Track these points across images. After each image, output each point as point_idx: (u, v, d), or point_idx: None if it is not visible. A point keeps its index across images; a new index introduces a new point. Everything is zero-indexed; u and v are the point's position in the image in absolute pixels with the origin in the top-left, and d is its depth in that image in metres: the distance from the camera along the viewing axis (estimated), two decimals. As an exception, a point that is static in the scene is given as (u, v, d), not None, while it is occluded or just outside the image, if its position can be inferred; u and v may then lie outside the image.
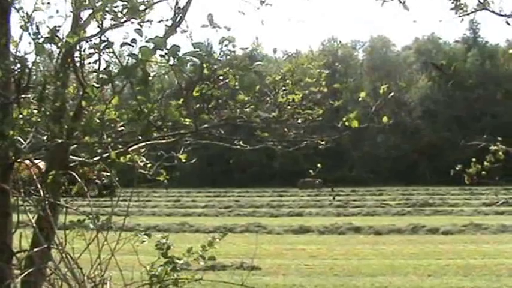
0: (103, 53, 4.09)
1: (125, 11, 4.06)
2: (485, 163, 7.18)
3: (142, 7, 4.18)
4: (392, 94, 5.50)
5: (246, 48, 5.95)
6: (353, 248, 18.50)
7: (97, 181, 8.62)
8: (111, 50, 3.91)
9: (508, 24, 6.78)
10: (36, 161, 5.46)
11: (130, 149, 5.58)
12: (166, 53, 3.35)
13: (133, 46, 3.54)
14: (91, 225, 4.69)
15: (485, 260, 16.04)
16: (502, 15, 6.81)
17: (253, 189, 50.63)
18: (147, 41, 3.42)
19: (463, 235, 20.79)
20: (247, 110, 5.00)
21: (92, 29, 4.91)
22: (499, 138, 7.32)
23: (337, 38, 76.28)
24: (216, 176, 58.38)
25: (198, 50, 3.52)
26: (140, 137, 5.04)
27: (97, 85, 4.12)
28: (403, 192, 44.84)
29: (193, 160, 6.45)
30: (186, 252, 5.03)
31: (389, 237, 20.82)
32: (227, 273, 13.88)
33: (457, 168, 7.48)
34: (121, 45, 3.67)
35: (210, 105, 5.13)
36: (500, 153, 7.14)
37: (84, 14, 5.20)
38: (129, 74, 3.38)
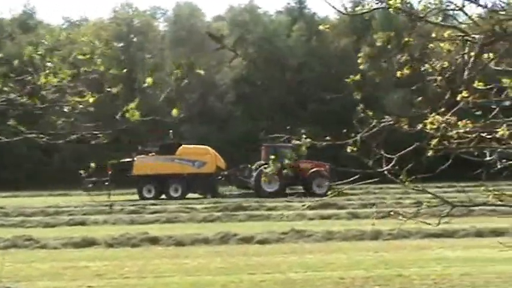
0: None
1: None
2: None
3: None
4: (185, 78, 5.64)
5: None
6: (148, 263, 18.62)
7: None
8: None
9: None
10: None
11: None
12: None
13: None
14: None
15: (308, 273, 16.66)
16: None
17: (25, 193, 49.36)
18: None
19: (283, 244, 21.54)
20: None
21: None
22: (303, 131, 7.70)
23: (132, 4, 76.29)
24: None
25: None
26: None
27: None
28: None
29: None
30: None
31: (193, 248, 21.15)
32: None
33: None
34: None
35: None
36: (304, 148, 7.52)
37: None
38: None
